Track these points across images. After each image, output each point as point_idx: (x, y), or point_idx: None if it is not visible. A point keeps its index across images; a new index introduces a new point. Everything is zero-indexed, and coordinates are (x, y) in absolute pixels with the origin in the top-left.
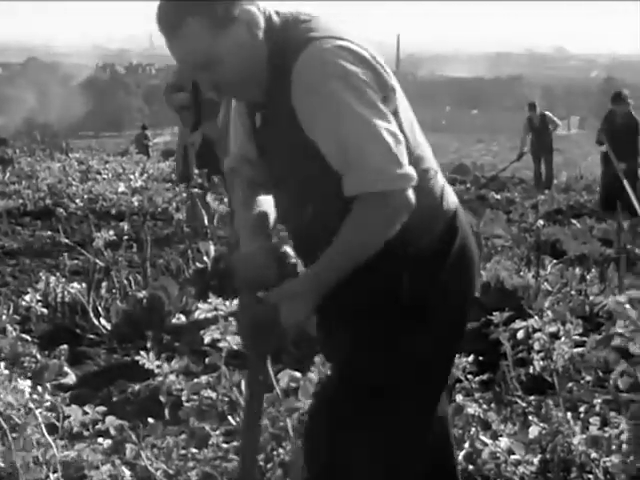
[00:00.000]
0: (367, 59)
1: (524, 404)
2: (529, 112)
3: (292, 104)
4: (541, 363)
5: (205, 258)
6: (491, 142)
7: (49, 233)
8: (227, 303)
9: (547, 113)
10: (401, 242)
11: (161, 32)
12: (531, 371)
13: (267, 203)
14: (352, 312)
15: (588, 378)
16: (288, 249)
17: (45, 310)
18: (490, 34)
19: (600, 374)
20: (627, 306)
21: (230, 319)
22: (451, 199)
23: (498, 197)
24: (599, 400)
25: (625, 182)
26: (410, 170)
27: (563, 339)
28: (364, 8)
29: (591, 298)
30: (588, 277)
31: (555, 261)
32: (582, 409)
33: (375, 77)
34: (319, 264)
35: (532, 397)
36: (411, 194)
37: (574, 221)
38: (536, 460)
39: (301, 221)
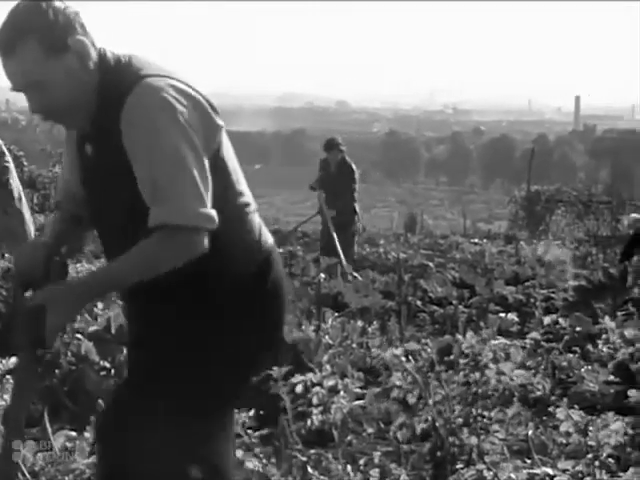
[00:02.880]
0: (195, 98)
1: (304, 458)
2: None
3: (121, 135)
4: (320, 417)
5: None
6: (274, 196)
7: None
8: (4, 362)
9: None
10: (220, 269)
11: None
12: (310, 424)
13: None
14: (168, 329)
15: (370, 430)
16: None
17: None
18: (271, 88)
19: (382, 426)
20: (403, 358)
21: (7, 377)
22: (267, 236)
23: (280, 250)
24: (379, 452)
25: (332, 229)
26: (212, 212)
27: (342, 393)
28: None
29: (372, 351)
30: (369, 330)
31: (337, 314)
32: (362, 461)
33: (201, 116)
34: (96, 275)
35: (312, 451)
36: (205, 238)
37: (355, 274)
38: None
39: (122, 252)
